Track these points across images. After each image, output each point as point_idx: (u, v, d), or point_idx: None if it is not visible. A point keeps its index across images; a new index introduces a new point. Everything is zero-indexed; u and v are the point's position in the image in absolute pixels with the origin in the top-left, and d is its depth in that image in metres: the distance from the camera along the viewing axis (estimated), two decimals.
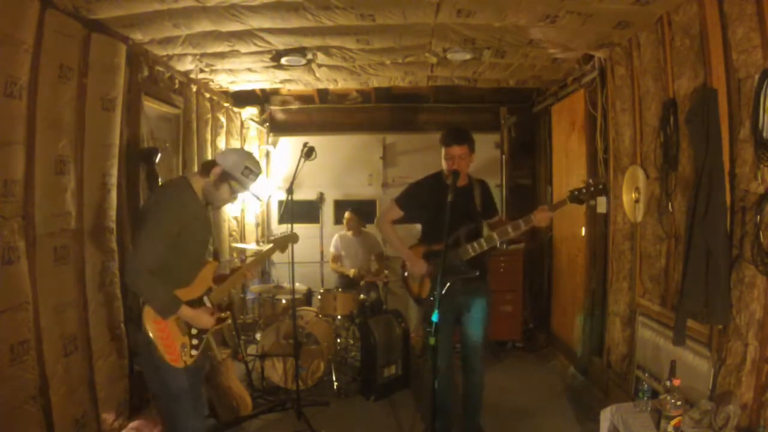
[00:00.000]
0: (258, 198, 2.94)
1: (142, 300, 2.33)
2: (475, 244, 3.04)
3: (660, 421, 2.37)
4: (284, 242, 3.11)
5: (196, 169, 4.28)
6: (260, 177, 2.58)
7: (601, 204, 4.12)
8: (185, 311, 2.36)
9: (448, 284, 2.72)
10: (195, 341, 2.46)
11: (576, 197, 2.99)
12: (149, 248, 2.27)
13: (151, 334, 2.31)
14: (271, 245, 3.09)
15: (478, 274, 3.05)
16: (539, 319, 5.69)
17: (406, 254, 3.24)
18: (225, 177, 2.46)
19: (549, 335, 5.54)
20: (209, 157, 4.77)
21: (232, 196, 2.55)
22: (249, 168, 2.48)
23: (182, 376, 2.40)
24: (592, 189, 2.97)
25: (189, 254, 2.45)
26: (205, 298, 2.52)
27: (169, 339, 2.35)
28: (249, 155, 2.58)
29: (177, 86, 4.25)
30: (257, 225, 6.24)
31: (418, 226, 3.40)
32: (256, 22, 3.37)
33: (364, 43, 3.84)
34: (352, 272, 5.33)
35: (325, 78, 4.87)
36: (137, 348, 2.53)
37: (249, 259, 3.47)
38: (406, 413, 3.94)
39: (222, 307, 2.63)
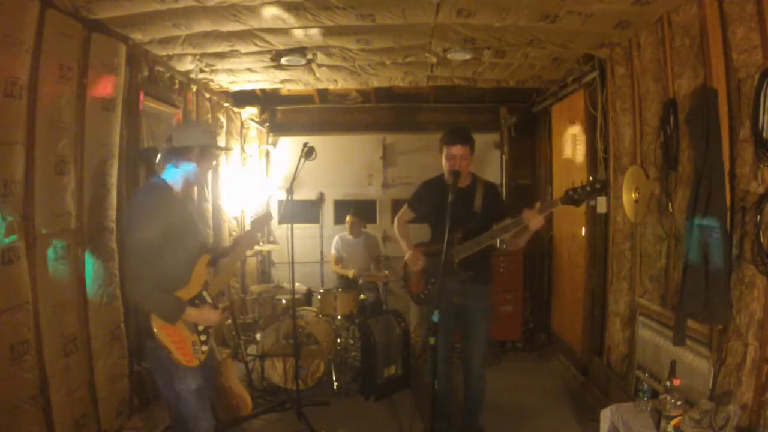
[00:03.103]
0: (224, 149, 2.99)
1: (147, 310, 2.33)
2: (466, 246, 3.01)
3: (660, 421, 2.37)
4: (262, 221, 3.02)
5: None
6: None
7: (601, 204, 4.12)
8: (191, 313, 2.37)
9: (440, 284, 2.71)
10: (203, 337, 2.47)
11: (570, 197, 2.70)
12: (144, 267, 2.24)
13: (162, 341, 2.31)
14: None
15: (470, 275, 3.04)
16: (539, 319, 5.69)
17: (407, 251, 3.29)
18: (203, 151, 2.46)
19: (549, 335, 5.54)
20: None
21: (212, 164, 2.62)
22: (211, 132, 2.61)
23: (198, 375, 2.41)
24: (588, 189, 2.68)
25: (181, 255, 2.43)
26: (204, 293, 2.51)
27: (180, 341, 2.36)
28: (199, 124, 2.69)
29: (177, 86, 4.25)
30: None
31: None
32: (255, 22, 3.37)
33: (364, 43, 3.84)
34: (351, 273, 5.33)
35: (325, 78, 4.87)
36: (144, 355, 2.53)
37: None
38: (406, 413, 3.93)
39: (221, 296, 2.63)
